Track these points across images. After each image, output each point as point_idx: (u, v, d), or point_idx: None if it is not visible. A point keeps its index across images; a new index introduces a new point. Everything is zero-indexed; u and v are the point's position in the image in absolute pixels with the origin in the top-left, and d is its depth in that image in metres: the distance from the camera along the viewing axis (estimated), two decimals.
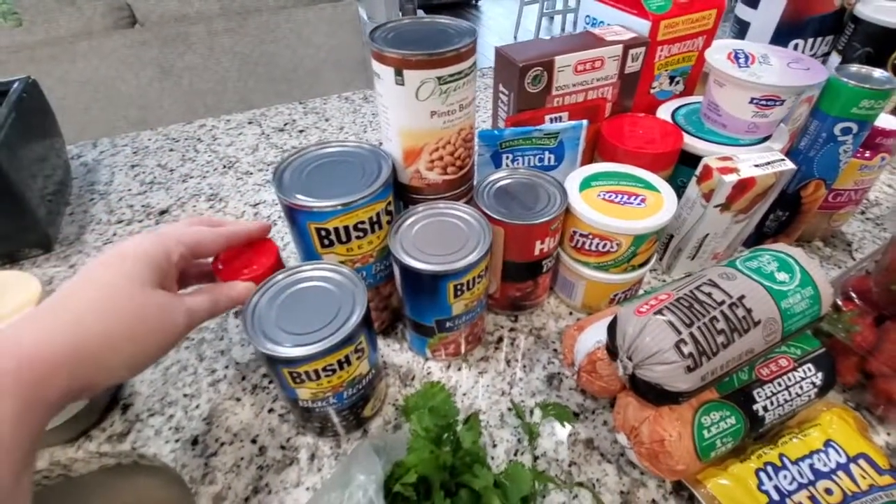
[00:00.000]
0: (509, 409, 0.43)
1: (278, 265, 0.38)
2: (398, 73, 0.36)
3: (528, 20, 3.60)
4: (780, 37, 0.66)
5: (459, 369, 0.47)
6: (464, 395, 0.45)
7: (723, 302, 0.35)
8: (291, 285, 0.36)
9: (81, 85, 1.61)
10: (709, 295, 0.35)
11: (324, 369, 0.33)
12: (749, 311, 0.35)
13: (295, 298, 0.35)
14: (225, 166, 0.74)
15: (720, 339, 0.33)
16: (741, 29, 0.70)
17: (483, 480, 0.30)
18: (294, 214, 0.38)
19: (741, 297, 0.35)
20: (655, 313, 0.34)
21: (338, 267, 0.37)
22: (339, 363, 0.34)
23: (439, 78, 0.37)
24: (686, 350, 0.32)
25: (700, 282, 0.37)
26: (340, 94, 0.92)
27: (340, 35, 1.95)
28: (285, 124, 0.83)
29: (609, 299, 0.50)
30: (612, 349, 0.37)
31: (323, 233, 0.38)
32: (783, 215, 0.55)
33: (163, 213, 0.65)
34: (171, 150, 0.77)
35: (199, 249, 0.36)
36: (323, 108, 0.88)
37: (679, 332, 0.33)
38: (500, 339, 0.49)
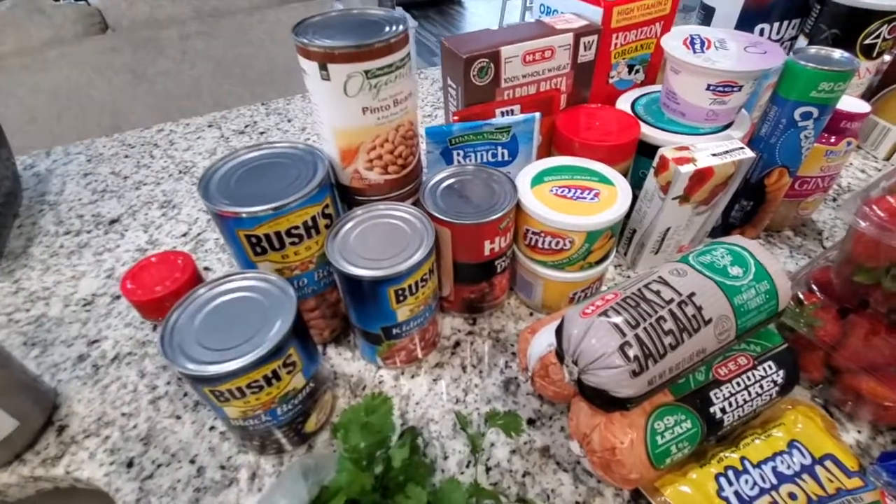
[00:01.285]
0: None
1: (196, 280, 0.36)
2: (323, 67, 0.34)
3: (512, 15, 3.57)
4: (746, 21, 0.64)
5: (413, 377, 0.45)
6: (416, 404, 0.43)
7: (671, 300, 0.33)
8: (214, 298, 0.34)
9: (54, 93, 1.58)
10: (657, 293, 0.33)
11: (248, 386, 0.31)
12: (699, 308, 0.33)
13: (218, 312, 0.33)
14: (181, 172, 0.71)
15: (668, 340, 0.32)
16: (706, 15, 0.69)
17: (415, 501, 0.28)
18: (222, 222, 0.36)
19: (691, 295, 0.33)
20: (600, 315, 0.33)
21: (266, 276, 0.35)
22: (266, 379, 0.32)
23: (367, 71, 0.34)
24: (631, 353, 0.31)
25: (649, 279, 0.35)
26: (304, 94, 0.89)
27: None
28: (246, 126, 0.81)
29: (569, 298, 0.48)
30: (559, 353, 0.35)
31: (254, 240, 0.36)
32: (748, 205, 0.54)
33: (113, 222, 0.63)
34: (127, 156, 0.75)
35: None
36: (286, 108, 0.86)
37: (624, 335, 0.31)
38: (458, 344, 0.48)
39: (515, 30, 0.47)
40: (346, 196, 0.43)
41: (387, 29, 0.36)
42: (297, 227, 0.36)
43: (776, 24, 0.65)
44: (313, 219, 0.37)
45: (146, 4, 1.65)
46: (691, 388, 0.36)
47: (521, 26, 0.48)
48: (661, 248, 0.52)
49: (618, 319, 0.32)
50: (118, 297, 0.53)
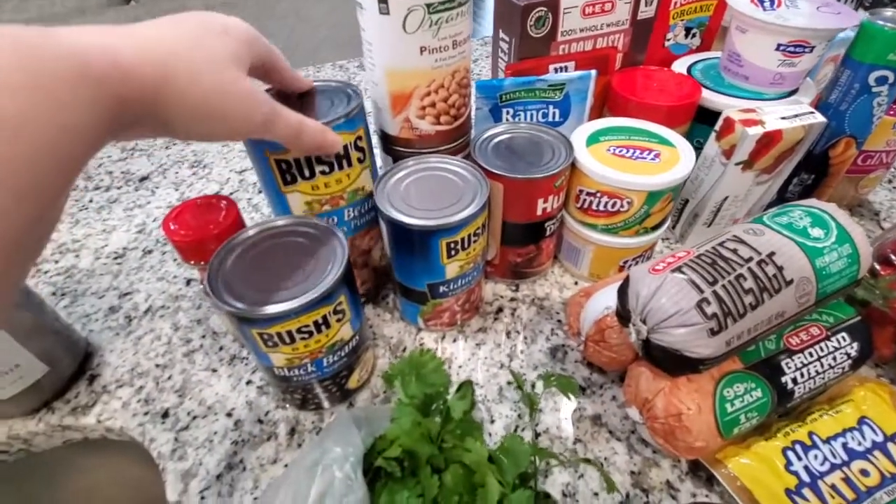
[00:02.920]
0: (509, 383, 0.39)
1: (239, 223, 0.35)
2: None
3: None
4: None
5: (455, 341, 0.43)
6: (459, 367, 0.41)
7: (750, 259, 0.31)
8: (263, 241, 0.32)
9: None
10: (734, 251, 0.31)
11: (298, 331, 0.30)
12: (780, 268, 0.30)
13: (267, 254, 0.32)
14: None
15: (748, 299, 0.29)
16: None
17: (476, 455, 0.26)
18: (253, 146, 0.33)
19: (771, 254, 0.31)
20: (673, 271, 0.30)
21: (315, 221, 0.33)
22: (317, 324, 0.30)
23: (429, 5, 0.32)
24: (709, 310, 0.28)
25: (723, 238, 0.33)
26: (335, 63, 0.87)
27: (340, 12, 1.90)
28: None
29: (618, 267, 0.46)
30: (623, 313, 0.33)
31: (284, 165, 0.33)
32: (808, 178, 0.51)
33: (143, 179, 0.61)
34: None
35: (271, 73, 0.31)
36: (316, 76, 0.84)
37: (701, 291, 0.29)
38: (500, 310, 0.46)
39: None
40: (393, 148, 0.41)
41: None
42: (327, 155, 0.34)
43: None
44: (345, 148, 0.34)
45: None
46: (761, 356, 0.34)
47: None
48: (715, 221, 0.49)
49: (693, 276, 0.30)
50: (150, 252, 0.51)
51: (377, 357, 0.41)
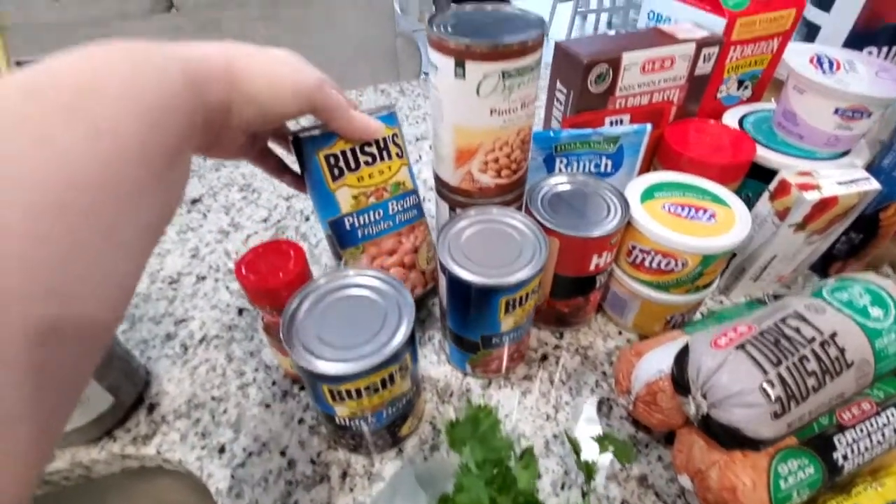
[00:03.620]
0: (555, 436, 0.40)
1: (306, 272, 0.36)
2: (459, 64, 0.33)
3: (562, 17, 3.52)
4: (853, 43, 0.61)
5: (500, 388, 0.44)
6: (506, 416, 0.42)
7: (813, 339, 0.31)
8: (332, 292, 0.34)
9: None
10: (797, 330, 0.31)
11: (366, 388, 0.31)
12: (842, 350, 0.31)
13: (336, 307, 0.33)
14: None
15: (811, 381, 0.30)
16: (809, 32, 0.65)
17: None
18: (301, 147, 0.36)
19: (833, 335, 0.31)
20: (736, 348, 0.31)
21: (382, 275, 0.34)
22: (383, 382, 0.31)
23: (504, 72, 0.33)
24: (773, 393, 0.29)
25: (784, 314, 0.33)
26: (376, 87, 0.89)
27: (373, 26, 1.92)
28: None
29: (664, 321, 0.46)
30: (680, 383, 0.34)
31: (332, 160, 0.37)
32: (857, 238, 0.51)
33: (195, 201, 0.63)
34: None
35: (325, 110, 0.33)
36: (358, 100, 0.85)
37: (765, 372, 0.29)
38: (545, 357, 0.46)
39: (634, 37, 0.45)
40: (450, 196, 0.42)
41: (524, 29, 0.34)
42: (369, 145, 0.37)
43: (884, 49, 0.62)
44: (384, 140, 0.38)
45: None
46: (815, 431, 0.34)
47: (639, 34, 0.46)
48: (762, 276, 0.49)
49: (757, 355, 0.30)
50: (203, 279, 0.53)
51: (426, 402, 0.42)
